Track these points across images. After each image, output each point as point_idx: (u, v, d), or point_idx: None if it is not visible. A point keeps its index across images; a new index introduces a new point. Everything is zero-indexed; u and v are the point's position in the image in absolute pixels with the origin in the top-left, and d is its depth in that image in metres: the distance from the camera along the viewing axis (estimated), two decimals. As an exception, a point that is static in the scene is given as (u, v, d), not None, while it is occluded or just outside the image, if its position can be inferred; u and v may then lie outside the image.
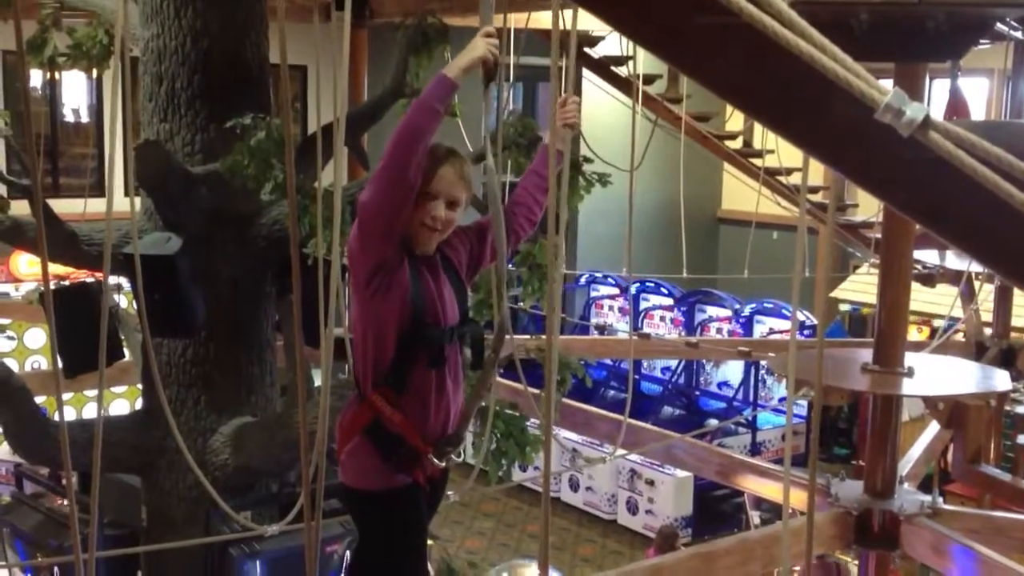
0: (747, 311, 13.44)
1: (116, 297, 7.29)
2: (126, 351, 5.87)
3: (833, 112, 1.34)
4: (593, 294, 15.44)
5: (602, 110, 10.41)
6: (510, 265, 5.78)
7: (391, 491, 2.95)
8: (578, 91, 11.76)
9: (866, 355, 5.32)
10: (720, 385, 13.68)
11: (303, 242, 4.22)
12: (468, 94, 5.46)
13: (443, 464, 2.97)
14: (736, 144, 10.19)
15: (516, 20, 7.11)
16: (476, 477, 4.72)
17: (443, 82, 2.66)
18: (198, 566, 4.91)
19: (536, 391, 5.48)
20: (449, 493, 5.44)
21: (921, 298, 8.55)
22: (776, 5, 1.28)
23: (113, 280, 6.04)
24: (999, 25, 4.33)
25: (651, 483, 11.94)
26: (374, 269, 2.78)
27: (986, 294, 7.46)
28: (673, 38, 1.41)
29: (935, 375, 5.26)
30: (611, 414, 7.12)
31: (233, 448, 4.82)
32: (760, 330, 13.22)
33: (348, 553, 3.98)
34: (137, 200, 4.45)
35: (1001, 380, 5.24)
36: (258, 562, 4.78)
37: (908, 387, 5.01)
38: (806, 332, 12.34)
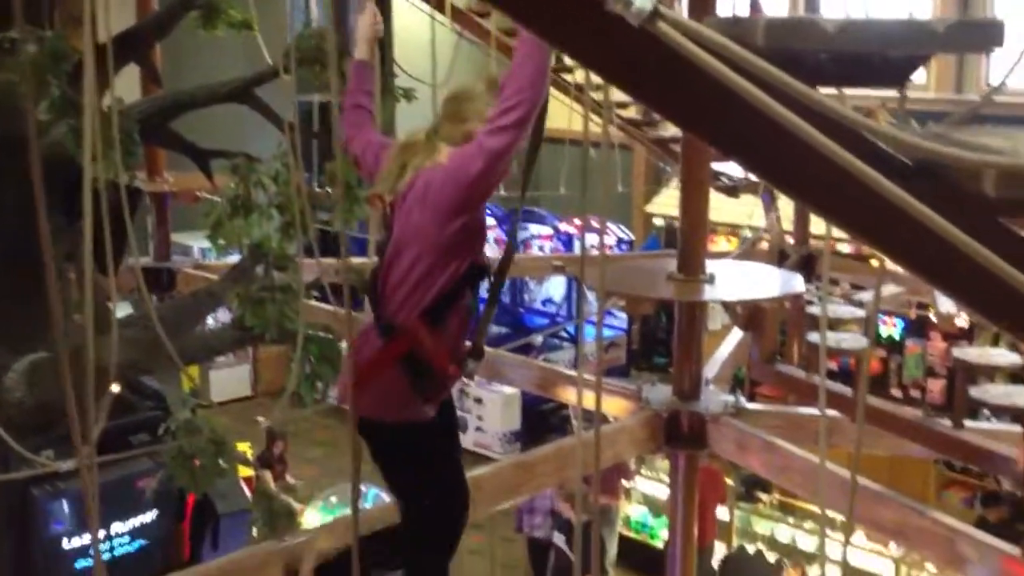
0: (567, 228, 13.67)
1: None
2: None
3: (572, 8, 1.34)
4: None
5: (411, 23, 10.23)
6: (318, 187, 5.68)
7: (418, 424, 3.07)
8: (388, 4, 11.51)
9: (673, 265, 5.49)
10: (544, 302, 13.93)
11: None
12: (267, 5, 5.28)
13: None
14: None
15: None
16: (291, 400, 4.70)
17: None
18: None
19: (354, 313, 5.44)
20: (259, 418, 5.44)
21: (727, 209, 8.87)
22: None
23: None
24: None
25: (479, 401, 12.12)
26: (481, 204, 2.89)
27: (787, 203, 7.76)
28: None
29: (736, 281, 5.47)
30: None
31: (28, 385, 4.60)
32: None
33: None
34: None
35: (796, 283, 5.50)
36: (64, 501, 4.62)
37: (709, 293, 5.20)
38: (624, 247, 12.67)
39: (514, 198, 3.28)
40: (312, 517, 9.00)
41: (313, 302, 5.47)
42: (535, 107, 2.75)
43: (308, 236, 3.74)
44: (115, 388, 2.80)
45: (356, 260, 7.36)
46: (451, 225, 2.88)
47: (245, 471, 9.62)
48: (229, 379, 14.53)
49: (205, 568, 4.81)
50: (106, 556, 8.49)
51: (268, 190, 4.42)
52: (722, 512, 10.35)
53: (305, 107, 5.94)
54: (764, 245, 8.53)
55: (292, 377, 4.38)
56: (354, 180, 5.22)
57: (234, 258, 5.32)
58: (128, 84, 6.09)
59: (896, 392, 11.87)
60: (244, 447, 9.44)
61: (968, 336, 10.76)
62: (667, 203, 13.03)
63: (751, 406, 5.75)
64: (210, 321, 7.50)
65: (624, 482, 10.70)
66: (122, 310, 5.15)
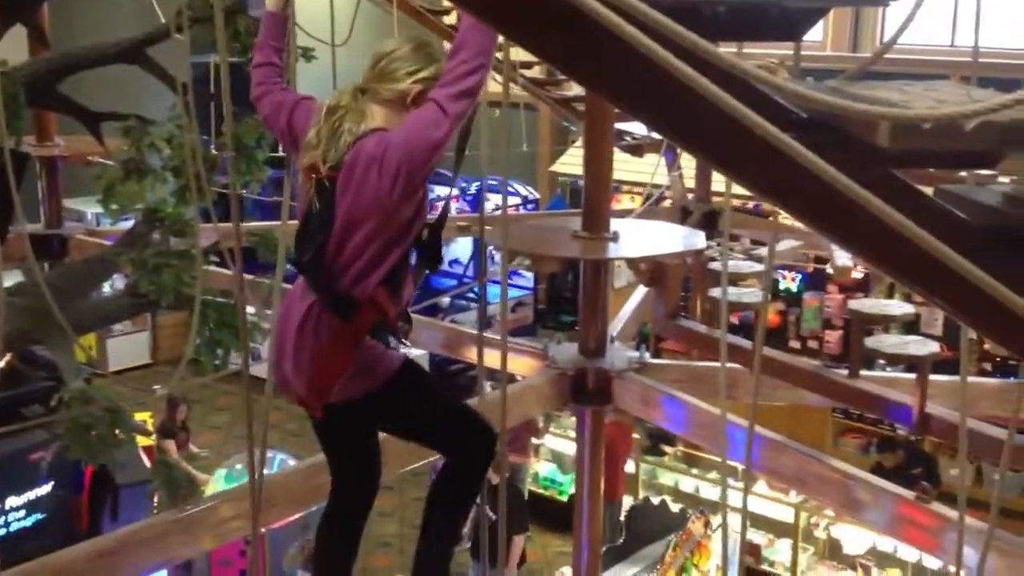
0: (474, 188, 13.61)
1: None
2: None
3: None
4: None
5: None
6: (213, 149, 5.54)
7: (404, 364, 3.07)
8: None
9: (578, 224, 5.50)
10: (451, 263, 13.88)
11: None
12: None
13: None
14: (451, 19, 10.10)
15: None
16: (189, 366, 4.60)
17: None
18: None
19: (251, 277, 5.34)
20: (157, 387, 5.33)
21: (631, 168, 8.93)
22: None
23: None
24: None
25: (387, 363, 12.06)
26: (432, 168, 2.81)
27: (689, 161, 7.85)
28: None
29: (639, 239, 5.52)
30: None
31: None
32: (488, 207, 13.45)
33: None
34: None
35: (698, 240, 5.57)
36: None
37: (613, 251, 5.23)
38: (529, 206, 12.68)
39: (448, 160, 3.20)
40: (217, 484, 8.89)
41: (212, 267, 5.35)
42: (488, 70, 2.74)
43: (205, 199, 3.64)
44: (5, 359, 2.69)
45: (255, 224, 7.25)
46: (411, 193, 2.82)
47: (145, 440, 9.44)
48: (127, 347, 14.19)
49: (104, 540, 4.71)
50: (1, 531, 8.28)
51: (162, 153, 4.28)
52: (628, 465, 10.53)
53: (201, 67, 5.78)
54: (667, 203, 8.62)
55: (190, 344, 4.28)
56: (251, 141, 5.10)
57: (128, 223, 5.17)
58: (14, 46, 5.83)
59: (795, 343, 12.18)
60: (143, 416, 9.26)
61: (864, 288, 11.07)
62: (572, 162, 13.07)
63: (655, 361, 5.83)
64: (105, 288, 7.30)
65: (533, 440, 10.80)
66: (11, 278, 4.96)
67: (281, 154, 3.58)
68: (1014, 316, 1.68)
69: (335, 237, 2.87)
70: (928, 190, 1.91)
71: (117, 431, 4.56)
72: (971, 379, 4.12)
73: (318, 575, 3.51)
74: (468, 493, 3.25)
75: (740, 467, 6.43)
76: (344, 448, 3.26)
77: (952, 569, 4.77)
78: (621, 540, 9.11)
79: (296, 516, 8.18)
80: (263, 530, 6.73)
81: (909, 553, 8.94)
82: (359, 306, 2.90)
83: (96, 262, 5.06)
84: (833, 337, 12.07)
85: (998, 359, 10.33)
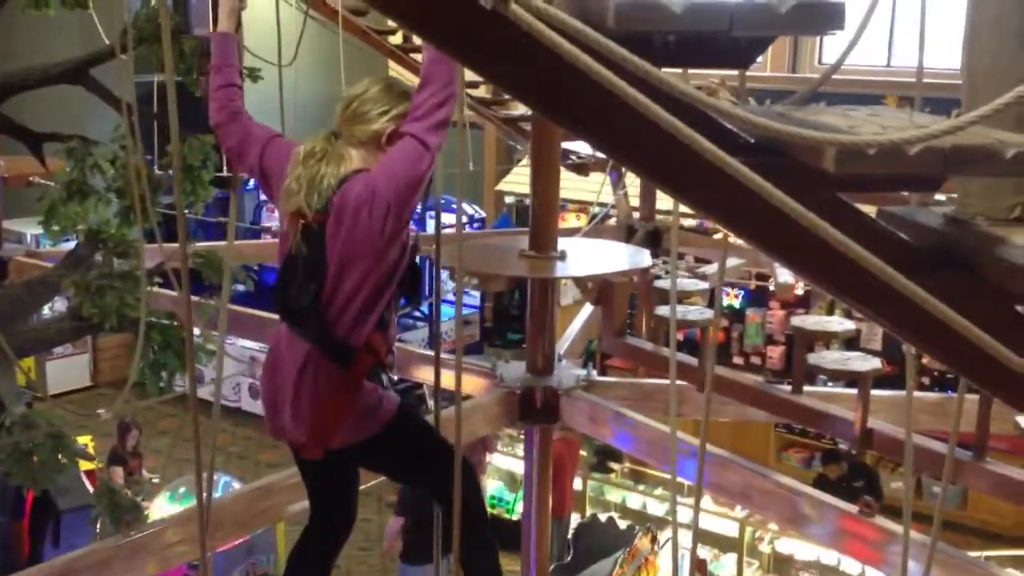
0: (420, 208, 13.60)
1: None
2: None
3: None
4: (263, 197, 15.08)
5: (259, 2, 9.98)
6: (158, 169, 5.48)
7: (401, 406, 3.06)
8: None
9: (525, 243, 5.53)
10: (397, 282, 13.85)
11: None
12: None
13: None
14: (397, 39, 10.11)
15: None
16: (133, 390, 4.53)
17: None
18: None
19: (196, 299, 5.29)
20: (100, 411, 5.26)
21: (577, 187, 9.00)
22: None
23: None
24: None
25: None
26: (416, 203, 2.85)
27: (633, 180, 7.92)
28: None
29: (586, 257, 5.55)
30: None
31: None
32: (432, 225, 13.45)
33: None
34: None
35: (644, 258, 5.61)
36: None
37: (561, 270, 5.26)
38: (475, 225, 12.69)
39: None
40: (160, 508, 8.75)
41: (157, 288, 5.29)
42: (454, 99, 2.80)
43: (149, 220, 3.60)
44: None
45: (200, 244, 7.17)
46: (400, 230, 2.83)
47: (87, 465, 9.27)
48: (67, 369, 13.92)
49: (48, 567, 4.62)
50: (-61, 559, 8.07)
51: (106, 174, 4.23)
52: (575, 482, 10.55)
53: (144, 87, 5.73)
54: (612, 221, 8.69)
55: (135, 367, 4.23)
56: (197, 161, 5.06)
57: (70, 245, 5.10)
58: (-46, 66, 5.75)
59: (738, 359, 12.32)
60: (85, 440, 9.09)
61: (805, 304, 11.24)
62: (517, 181, 13.14)
63: (603, 379, 5.86)
64: (46, 310, 7.18)
65: (488, 455, 10.75)
66: (-52, 301, 4.87)
67: (227, 174, 3.56)
68: (954, 334, 1.73)
69: (329, 283, 2.86)
70: (872, 210, 1.96)
71: (60, 456, 4.49)
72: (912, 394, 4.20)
73: None
74: (474, 517, 3.25)
75: (688, 484, 6.48)
76: (329, 486, 3.27)
77: (895, 581, 4.84)
78: (569, 558, 9.11)
79: (240, 540, 8.10)
80: (208, 554, 6.63)
81: (852, 566, 9.06)
82: (357, 352, 2.89)
83: (37, 284, 4.98)
84: (775, 353, 12.22)
85: (936, 373, 10.53)
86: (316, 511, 3.32)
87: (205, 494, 3.19)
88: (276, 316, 3.06)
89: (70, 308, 4.66)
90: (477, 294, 13.28)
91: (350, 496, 3.32)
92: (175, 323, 4.93)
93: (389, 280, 2.90)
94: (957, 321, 1.70)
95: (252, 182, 15.30)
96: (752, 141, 1.74)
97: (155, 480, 10.14)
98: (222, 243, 4.20)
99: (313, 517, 3.34)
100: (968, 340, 1.72)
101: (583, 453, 10.64)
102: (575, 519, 10.16)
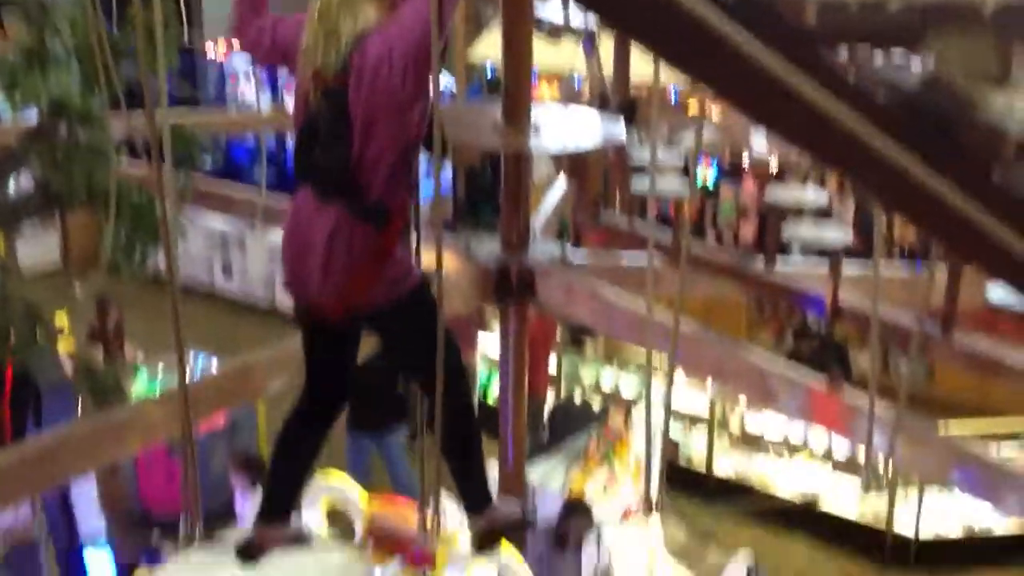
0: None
1: None
2: None
3: None
4: (228, 68, 14.76)
5: None
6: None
7: (424, 275, 3.07)
8: None
9: (497, 113, 5.37)
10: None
11: None
12: None
13: None
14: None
15: None
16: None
17: None
18: None
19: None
20: (76, 288, 5.19)
21: (549, 56, 8.80)
22: None
23: None
24: None
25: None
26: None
27: (608, 50, 7.76)
28: None
29: (561, 129, 5.43)
30: (250, 192, 6.93)
31: None
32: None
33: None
34: None
35: (619, 131, 5.53)
36: None
37: (535, 143, 5.17)
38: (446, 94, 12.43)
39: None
40: (139, 388, 8.79)
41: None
42: None
43: (113, 88, 3.50)
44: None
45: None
46: (421, 86, 2.79)
47: (66, 344, 9.24)
48: (35, 250, 13.72)
49: (28, 445, 4.65)
50: (-85, 442, 8.09)
51: (65, 38, 4.08)
52: (551, 360, 10.64)
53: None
54: (585, 91, 8.54)
55: (107, 247, 4.18)
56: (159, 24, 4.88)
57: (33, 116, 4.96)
58: None
59: (711, 234, 12.34)
60: (61, 319, 9.05)
61: (780, 178, 11.20)
62: (488, 47, 12.77)
63: (577, 255, 5.84)
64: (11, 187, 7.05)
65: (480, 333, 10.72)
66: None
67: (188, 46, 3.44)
68: (931, 197, 1.72)
69: (356, 145, 2.82)
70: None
71: (37, 334, 4.46)
72: (882, 270, 4.22)
73: (272, 479, 3.51)
74: (460, 409, 3.24)
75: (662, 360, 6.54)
76: (334, 357, 3.26)
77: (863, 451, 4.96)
78: (545, 438, 9.23)
79: (222, 424, 8.19)
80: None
81: (819, 441, 9.28)
82: (391, 213, 2.87)
83: (1, 159, 4.87)
84: (748, 228, 12.21)
85: (906, 250, 10.62)
86: (313, 386, 3.32)
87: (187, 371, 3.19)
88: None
89: (37, 183, 4.57)
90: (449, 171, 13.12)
91: (348, 372, 3.33)
92: (146, 199, 4.86)
93: (415, 143, 2.88)
94: (933, 183, 1.68)
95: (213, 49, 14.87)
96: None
97: (140, 360, 10.12)
98: (191, 115, 4.10)
99: (308, 395, 3.33)
100: (945, 203, 1.71)
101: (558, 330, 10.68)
102: (550, 397, 10.28)
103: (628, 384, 10.47)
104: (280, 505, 3.44)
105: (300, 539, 3.54)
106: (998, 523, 8.68)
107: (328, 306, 3.04)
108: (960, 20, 1.65)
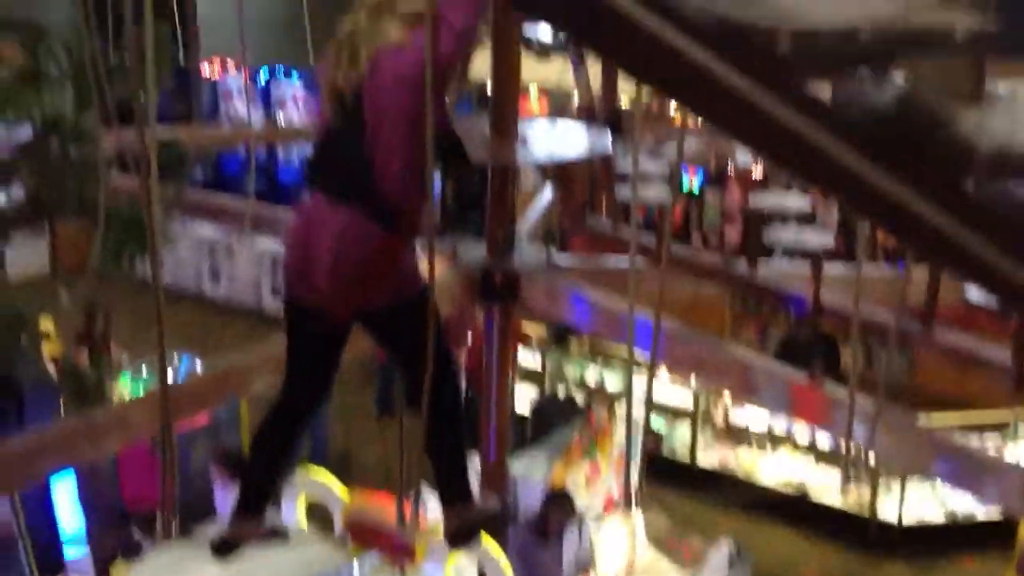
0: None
1: None
2: None
3: None
4: (223, 86, 14.81)
5: None
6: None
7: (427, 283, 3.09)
8: None
9: (485, 126, 5.47)
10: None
11: None
12: None
13: None
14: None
15: None
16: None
17: None
18: None
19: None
20: (63, 293, 5.23)
21: (538, 72, 8.91)
22: None
23: None
24: None
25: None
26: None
27: (595, 64, 7.85)
28: None
29: (548, 141, 5.53)
30: (239, 202, 6.97)
31: None
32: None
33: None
34: None
35: (605, 141, 5.63)
36: None
37: (523, 154, 5.27)
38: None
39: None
40: (122, 389, 8.78)
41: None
42: None
43: (106, 107, 3.56)
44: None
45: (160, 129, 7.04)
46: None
47: (51, 347, 9.23)
48: (25, 255, 13.71)
49: (9, 444, 4.67)
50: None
51: (60, 60, 4.13)
52: (536, 357, 10.66)
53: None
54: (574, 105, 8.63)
55: (95, 251, 4.22)
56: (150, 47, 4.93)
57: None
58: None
59: (696, 238, 12.43)
60: (47, 323, 9.05)
61: (764, 185, 11.30)
62: (477, 64, 12.86)
63: (562, 259, 5.92)
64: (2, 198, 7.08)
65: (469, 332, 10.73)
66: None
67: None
68: (907, 211, 1.79)
69: (370, 153, 2.89)
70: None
71: (21, 337, 4.49)
72: (864, 271, 4.32)
73: (249, 474, 3.53)
74: (448, 414, 3.28)
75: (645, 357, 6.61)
76: (324, 355, 3.29)
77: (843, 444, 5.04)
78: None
79: (205, 422, 8.21)
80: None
81: (803, 433, 9.36)
82: (404, 214, 2.94)
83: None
84: (733, 232, 12.30)
85: (889, 251, 10.72)
86: (297, 385, 3.35)
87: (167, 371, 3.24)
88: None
89: (28, 195, 4.61)
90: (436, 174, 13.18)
91: (333, 373, 3.38)
92: (136, 211, 4.90)
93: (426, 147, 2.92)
94: (909, 198, 1.76)
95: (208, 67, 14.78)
96: (712, 26, 1.77)
97: (124, 362, 10.11)
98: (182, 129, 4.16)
99: (289, 392, 3.37)
100: (920, 216, 1.79)
101: (542, 329, 10.69)
102: (534, 394, 10.31)
103: (612, 379, 10.50)
104: (257, 500, 3.47)
105: (276, 534, 3.56)
106: (979, 509, 8.80)
107: (334, 306, 3.10)
108: (931, 44, 1.73)
